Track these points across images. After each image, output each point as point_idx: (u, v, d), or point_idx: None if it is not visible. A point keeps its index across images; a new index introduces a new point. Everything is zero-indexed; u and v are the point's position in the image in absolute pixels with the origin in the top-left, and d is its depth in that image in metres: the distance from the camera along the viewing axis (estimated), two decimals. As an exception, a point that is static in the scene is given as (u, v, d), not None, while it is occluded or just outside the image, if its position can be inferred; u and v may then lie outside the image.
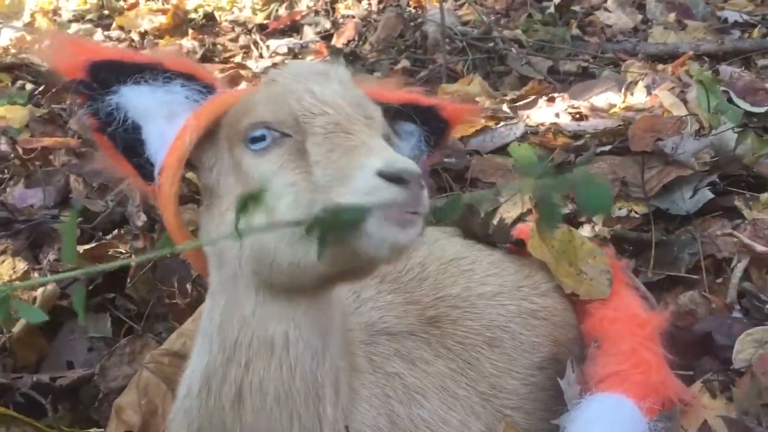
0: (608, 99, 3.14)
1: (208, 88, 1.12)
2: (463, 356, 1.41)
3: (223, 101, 1.11)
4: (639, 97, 3.11)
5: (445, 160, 2.55)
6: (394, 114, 1.15)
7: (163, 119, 1.07)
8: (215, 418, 1.08)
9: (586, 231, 2.12)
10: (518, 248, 1.69)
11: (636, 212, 2.14)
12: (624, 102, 3.09)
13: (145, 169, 1.09)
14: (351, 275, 1.07)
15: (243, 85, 3.68)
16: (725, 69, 3.46)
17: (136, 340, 1.68)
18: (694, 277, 1.94)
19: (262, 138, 1.04)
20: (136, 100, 1.07)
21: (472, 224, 1.67)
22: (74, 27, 4.66)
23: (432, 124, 1.26)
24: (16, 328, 1.80)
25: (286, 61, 4.23)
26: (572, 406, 1.45)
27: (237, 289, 1.07)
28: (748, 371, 1.47)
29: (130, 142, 1.08)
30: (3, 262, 1.91)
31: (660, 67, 3.76)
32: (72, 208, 2.09)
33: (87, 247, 2.02)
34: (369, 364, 1.25)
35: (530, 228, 1.74)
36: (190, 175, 1.20)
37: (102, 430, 1.54)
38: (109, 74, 1.06)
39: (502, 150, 2.73)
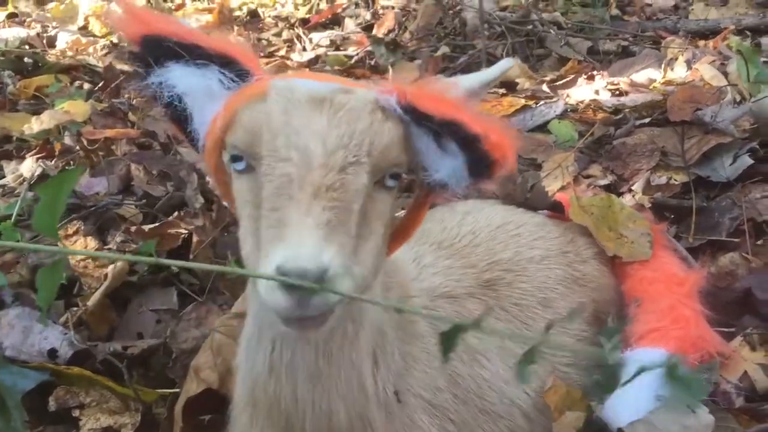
0: (648, 75, 3.17)
1: (244, 74, 1.07)
2: (519, 317, 1.46)
3: (250, 93, 1.06)
4: (679, 72, 3.13)
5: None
6: (440, 128, 1.01)
7: (204, 98, 1.08)
8: (259, 382, 1.13)
9: (626, 200, 2.17)
10: (557, 213, 1.76)
11: (675, 180, 2.18)
12: (664, 77, 3.11)
13: (195, 139, 1.13)
14: None
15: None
16: (767, 41, 3.44)
17: (200, 306, 1.81)
18: (735, 240, 1.98)
19: (240, 159, 1.02)
20: (180, 79, 1.08)
21: (511, 191, 1.74)
22: (125, 29, 4.85)
23: (475, 153, 1.01)
24: (90, 302, 1.94)
25: (322, 56, 4.31)
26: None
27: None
28: (787, 323, 1.51)
29: (180, 114, 1.12)
30: (76, 241, 2.06)
31: (701, 43, 3.76)
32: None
33: (151, 226, 2.15)
34: (431, 328, 1.28)
35: (569, 196, 1.81)
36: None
37: (175, 390, 1.66)
38: (160, 49, 1.07)
39: (543, 128, 2.80)
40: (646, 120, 2.55)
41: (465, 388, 1.30)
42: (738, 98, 2.58)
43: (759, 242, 1.94)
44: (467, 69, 3.87)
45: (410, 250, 1.46)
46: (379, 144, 0.99)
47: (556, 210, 1.76)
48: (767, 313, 1.64)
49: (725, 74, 2.91)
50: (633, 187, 2.23)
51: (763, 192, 2.06)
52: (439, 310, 1.35)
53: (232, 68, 1.06)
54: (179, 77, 1.07)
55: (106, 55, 4.27)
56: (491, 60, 3.93)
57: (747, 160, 2.17)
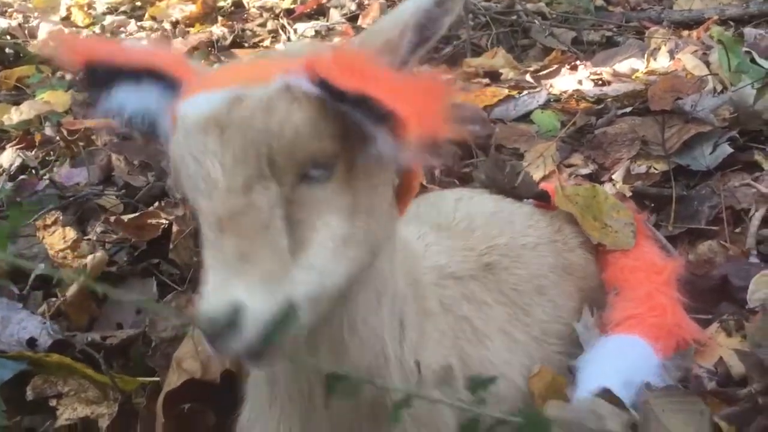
0: (631, 65, 3.17)
1: (175, 84, 1.01)
2: (517, 302, 1.47)
3: (174, 116, 0.99)
4: (662, 62, 3.13)
5: (468, 127, 2.62)
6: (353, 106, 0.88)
7: (155, 114, 1.04)
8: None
9: (607, 188, 2.18)
10: (542, 202, 1.77)
11: (655, 168, 2.19)
12: (647, 67, 3.12)
13: None
14: None
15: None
16: (750, 31, 3.46)
17: (180, 296, 1.80)
18: (714, 228, 1.99)
19: None
20: (126, 100, 1.04)
21: (499, 179, 1.75)
22: (108, 19, 4.81)
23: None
24: (69, 293, 1.93)
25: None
26: (589, 348, 1.52)
27: None
28: (762, 308, 1.52)
29: (147, 131, 1.07)
30: (54, 232, 2.04)
31: (685, 33, 3.77)
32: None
33: (130, 216, 2.15)
34: (440, 307, 1.28)
35: (555, 185, 1.82)
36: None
37: (155, 379, 1.66)
38: (102, 75, 1.03)
39: (526, 117, 2.80)
40: (628, 109, 2.56)
41: (473, 369, 1.29)
42: (719, 88, 2.59)
43: (737, 230, 1.96)
44: (452, 59, 3.87)
45: (413, 228, 1.46)
46: (282, 144, 0.89)
47: (542, 199, 1.77)
48: (743, 299, 1.65)
49: (707, 64, 2.92)
50: (613, 176, 2.24)
51: (742, 180, 2.08)
52: (446, 289, 1.34)
53: (164, 80, 1.02)
54: (125, 99, 1.04)
55: (88, 45, 4.23)
56: (476, 50, 3.93)
57: (726, 149, 2.19)
